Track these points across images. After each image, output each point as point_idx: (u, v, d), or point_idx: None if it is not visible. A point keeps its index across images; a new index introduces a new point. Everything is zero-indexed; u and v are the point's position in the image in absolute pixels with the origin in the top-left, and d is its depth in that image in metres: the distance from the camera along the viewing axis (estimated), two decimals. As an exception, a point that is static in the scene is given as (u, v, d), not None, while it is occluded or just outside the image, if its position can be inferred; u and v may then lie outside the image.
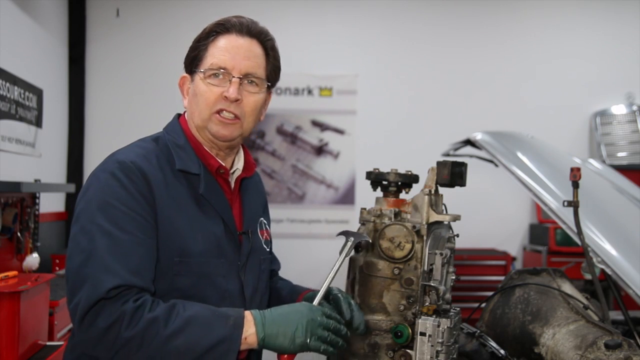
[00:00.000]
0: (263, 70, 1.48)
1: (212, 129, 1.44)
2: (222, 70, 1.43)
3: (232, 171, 1.53)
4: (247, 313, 1.31)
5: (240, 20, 1.47)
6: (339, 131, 4.93)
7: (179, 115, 1.55)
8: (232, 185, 1.53)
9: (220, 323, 1.27)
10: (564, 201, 1.95)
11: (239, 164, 1.55)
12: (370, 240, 1.54)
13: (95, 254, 1.26)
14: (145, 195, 1.33)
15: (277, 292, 1.66)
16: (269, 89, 1.52)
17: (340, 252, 1.45)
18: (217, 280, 1.40)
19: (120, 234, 1.28)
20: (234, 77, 1.42)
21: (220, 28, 1.45)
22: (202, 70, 1.44)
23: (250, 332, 1.28)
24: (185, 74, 1.51)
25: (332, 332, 1.33)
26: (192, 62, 1.47)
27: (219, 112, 1.43)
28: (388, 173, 1.61)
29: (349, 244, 1.47)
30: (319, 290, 1.42)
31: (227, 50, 1.43)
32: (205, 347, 1.24)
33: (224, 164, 1.49)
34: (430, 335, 1.42)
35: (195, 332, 1.24)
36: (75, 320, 1.26)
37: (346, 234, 1.50)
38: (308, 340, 1.28)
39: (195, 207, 1.41)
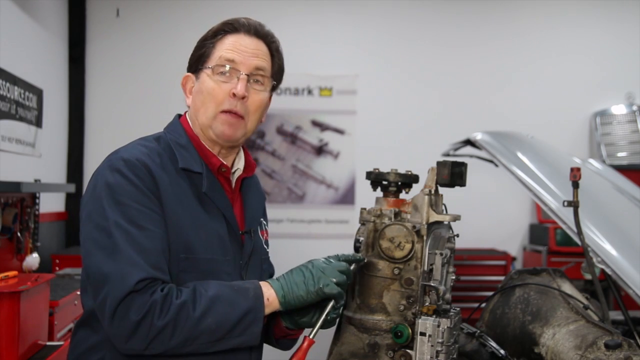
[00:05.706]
0: (270, 68, 1.50)
1: (216, 128, 1.44)
2: (229, 66, 1.43)
3: (233, 171, 1.53)
4: (262, 283, 1.38)
5: (248, 21, 1.48)
6: (339, 131, 4.93)
7: (179, 116, 1.55)
8: (233, 184, 1.53)
9: (242, 297, 1.32)
10: (564, 201, 1.95)
11: (240, 164, 1.55)
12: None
13: (117, 249, 1.26)
14: (154, 191, 1.34)
15: None
16: (273, 89, 1.53)
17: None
18: (221, 277, 1.40)
19: (135, 230, 1.29)
20: (242, 73, 1.43)
21: (229, 27, 1.47)
22: (210, 67, 1.44)
23: (270, 294, 1.35)
24: (189, 74, 1.52)
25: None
26: (199, 60, 1.48)
27: (225, 111, 1.43)
28: (388, 173, 1.60)
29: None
30: None
31: (235, 48, 1.45)
32: (233, 321, 1.30)
33: (225, 163, 1.49)
34: (430, 335, 1.42)
35: (222, 309, 1.29)
36: (104, 316, 1.26)
37: None
38: (321, 285, 1.35)
39: (198, 205, 1.41)
